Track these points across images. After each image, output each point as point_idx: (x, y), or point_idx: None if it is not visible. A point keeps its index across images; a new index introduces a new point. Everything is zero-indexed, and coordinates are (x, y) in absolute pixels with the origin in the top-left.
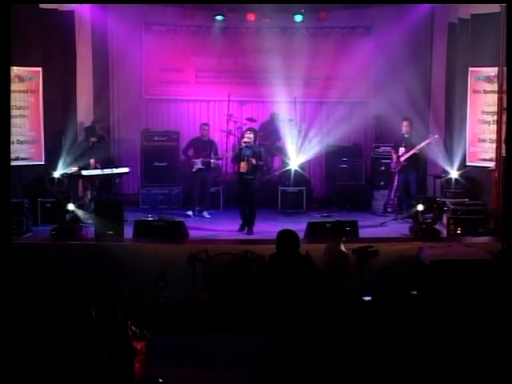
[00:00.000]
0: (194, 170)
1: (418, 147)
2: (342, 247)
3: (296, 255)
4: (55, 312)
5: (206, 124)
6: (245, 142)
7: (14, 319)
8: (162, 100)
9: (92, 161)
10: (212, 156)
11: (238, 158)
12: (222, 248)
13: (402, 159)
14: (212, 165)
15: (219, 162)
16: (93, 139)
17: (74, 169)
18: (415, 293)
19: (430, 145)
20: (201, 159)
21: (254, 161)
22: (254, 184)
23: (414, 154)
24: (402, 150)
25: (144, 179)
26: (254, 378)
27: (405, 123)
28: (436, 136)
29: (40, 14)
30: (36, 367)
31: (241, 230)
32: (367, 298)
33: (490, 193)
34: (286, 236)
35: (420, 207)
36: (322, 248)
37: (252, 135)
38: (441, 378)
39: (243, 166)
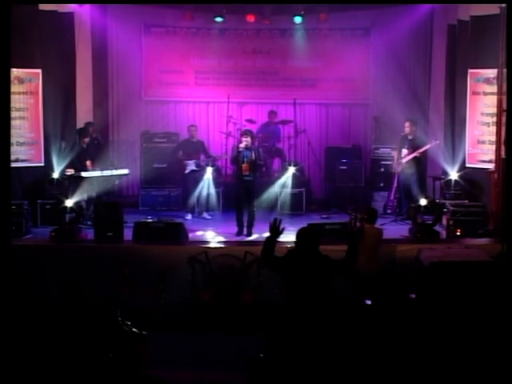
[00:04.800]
0: (187, 171)
1: (420, 151)
2: (376, 227)
3: (316, 253)
4: (55, 314)
5: (192, 125)
6: (243, 146)
7: (13, 321)
8: (161, 102)
9: (88, 162)
10: (203, 156)
11: (237, 160)
12: (221, 249)
13: (404, 161)
14: (205, 165)
15: (218, 162)
16: (86, 140)
17: (70, 171)
18: (413, 296)
19: (430, 149)
20: (193, 161)
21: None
22: (254, 185)
23: (415, 157)
24: (404, 151)
25: (143, 181)
26: (254, 379)
27: (407, 124)
28: (437, 141)
29: (39, 16)
30: (35, 369)
31: (238, 235)
32: (368, 302)
33: (490, 194)
34: (306, 233)
35: (419, 209)
36: (323, 249)
37: (249, 138)
38: (440, 380)
39: (245, 167)
